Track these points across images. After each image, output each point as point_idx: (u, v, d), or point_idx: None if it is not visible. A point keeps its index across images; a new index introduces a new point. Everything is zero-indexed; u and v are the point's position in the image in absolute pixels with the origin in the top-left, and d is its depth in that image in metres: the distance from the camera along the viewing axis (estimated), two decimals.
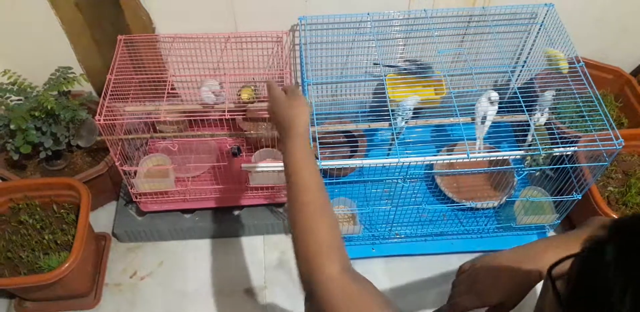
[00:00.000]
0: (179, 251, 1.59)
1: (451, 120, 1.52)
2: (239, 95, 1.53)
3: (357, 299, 0.74)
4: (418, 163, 1.30)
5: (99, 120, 1.29)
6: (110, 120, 1.31)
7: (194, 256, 1.58)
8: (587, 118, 1.32)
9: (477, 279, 0.84)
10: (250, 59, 1.57)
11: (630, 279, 0.48)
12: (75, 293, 1.44)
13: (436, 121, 1.52)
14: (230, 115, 1.33)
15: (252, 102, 1.54)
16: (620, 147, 1.22)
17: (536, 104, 1.42)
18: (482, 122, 1.41)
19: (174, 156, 1.56)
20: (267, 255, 1.59)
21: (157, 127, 1.64)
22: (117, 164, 1.41)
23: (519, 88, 1.44)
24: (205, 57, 1.54)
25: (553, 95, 1.42)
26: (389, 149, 1.57)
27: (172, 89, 1.46)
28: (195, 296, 1.50)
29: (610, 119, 1.25)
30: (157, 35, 1.51)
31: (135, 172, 1.50)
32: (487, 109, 1.36)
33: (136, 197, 1.53)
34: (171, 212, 1.58)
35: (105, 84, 1.35)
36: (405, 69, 1.59)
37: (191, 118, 1.42)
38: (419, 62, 1.59)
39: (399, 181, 1.37)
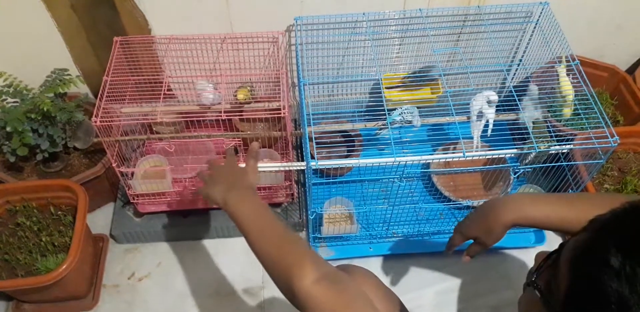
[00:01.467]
0: (177, 251, 1.59)
1: (447, 119, 1.53)
2: (236, 95, 1.53)
3: (337, 305, 0.78)
4: (414, 162, 1.30)
5: (96, 121, 1.29)
6: (106, 121, 1.31)
7: (192, 257, 1.58)
8: (582, 116, 1.32)
9: (466, 218, 1.04)
10: (246, 60, 1.57)
11: None
12: (73, 295, 1.44)
13: (432, 120, 1.53)
14: (227, 115, 1.33)
15: (249, 103, 1.54)
16: (616, 144, 1.22)
17: (528, 101, 1.43)
18: (478, 120, 1.41)
19: (170, 157, 1.56)
20: None
21: (154, 129, 1.63)
22: (114, 165, 1.41)
23: (514, 87, 1.45)
24: (202, 58, 1.55)
25: (538, 90, 1.42)
26: (377, 133, 1.55)
27: (168, 90, 1.46)
28: (194, 296, 1.50)
29: (606, 117, 1.25)
30: (153, 36, 1.51)
31: (132, 174, 1.50)
32: (482, 106, 1.37)
33: (133, 199, 1.53)
34: (169, 213, 1.59)
35: (101, 85, 1.35)
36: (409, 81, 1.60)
37: (188, 119, 1.42)
38: (418, 72, 1.59)
39: (396, 180, 1.37)
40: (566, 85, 1.40)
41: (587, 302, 0.49)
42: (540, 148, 1.27)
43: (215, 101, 1.48)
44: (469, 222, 1.03)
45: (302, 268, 0.81)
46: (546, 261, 0.61)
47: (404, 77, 1.63)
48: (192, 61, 1.55)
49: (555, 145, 1.33)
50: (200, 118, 1.40)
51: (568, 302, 0.52)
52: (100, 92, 1.33)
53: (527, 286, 0.62)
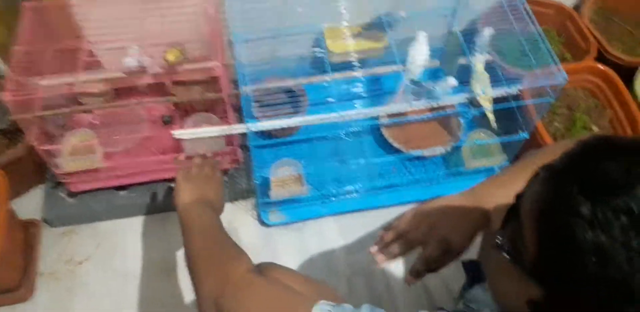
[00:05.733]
0: (117, 231, 1.50)
1: (393, 68, 1.46)
2: (165, 57, 1.41)
3: (266, 289, 0.82)
4: (361, 116, 1.23)
5: (6, 96, 1.16)
6: (21, 96, 1.18)
7: (133, 235, 1.49)
8: (530, 55, 1.27)
9: (434, 226, 0.82)
10: (174, 18, 1.43)
11: (630, 241, 0.42)
12: (4, 288, 1.33)
13: (380, 70, 1.46)
14: (156, 79, 1.22)
15: (181, 64, 1.43)
16: (565, 81, 1.18)
17: (476, 45, 1.36)
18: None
19: (100, 130, 1.45)
20: None
21: (81, 101, 1.51)
22: (34, 144, 1.29)
23: (462, 31, 1.38)
24: (124, 20, 1.41)
25: (491, 34, 1.34)
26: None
27: (91, 57, 1.33)
28: (137, 276, 1.43)
29: (554, 54, 1.22)
30: None
31: (58, 151, 1.38)
32: (416, 50, 1.30)
33: (63, 178, 1.41)
34: (104, 191, 1.48)
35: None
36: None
37: (116, 87, 1.31)
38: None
39: (344, 136, 1.31)
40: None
41: (562, 257, 0.46)
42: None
43: (143, 65, 1.36)
44: (449, 232, 0.82)
45: (239, 261, 0.91)
46: (507, 219, 0.56)
47: (363, 27, 1.53)
48: (114, 25, 1.41)
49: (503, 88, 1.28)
50: (129, 84, 1.28)
51: (541, 260, 0.49)
52: (10, 63, 1.21)
53: (493, 249, 0.56)
